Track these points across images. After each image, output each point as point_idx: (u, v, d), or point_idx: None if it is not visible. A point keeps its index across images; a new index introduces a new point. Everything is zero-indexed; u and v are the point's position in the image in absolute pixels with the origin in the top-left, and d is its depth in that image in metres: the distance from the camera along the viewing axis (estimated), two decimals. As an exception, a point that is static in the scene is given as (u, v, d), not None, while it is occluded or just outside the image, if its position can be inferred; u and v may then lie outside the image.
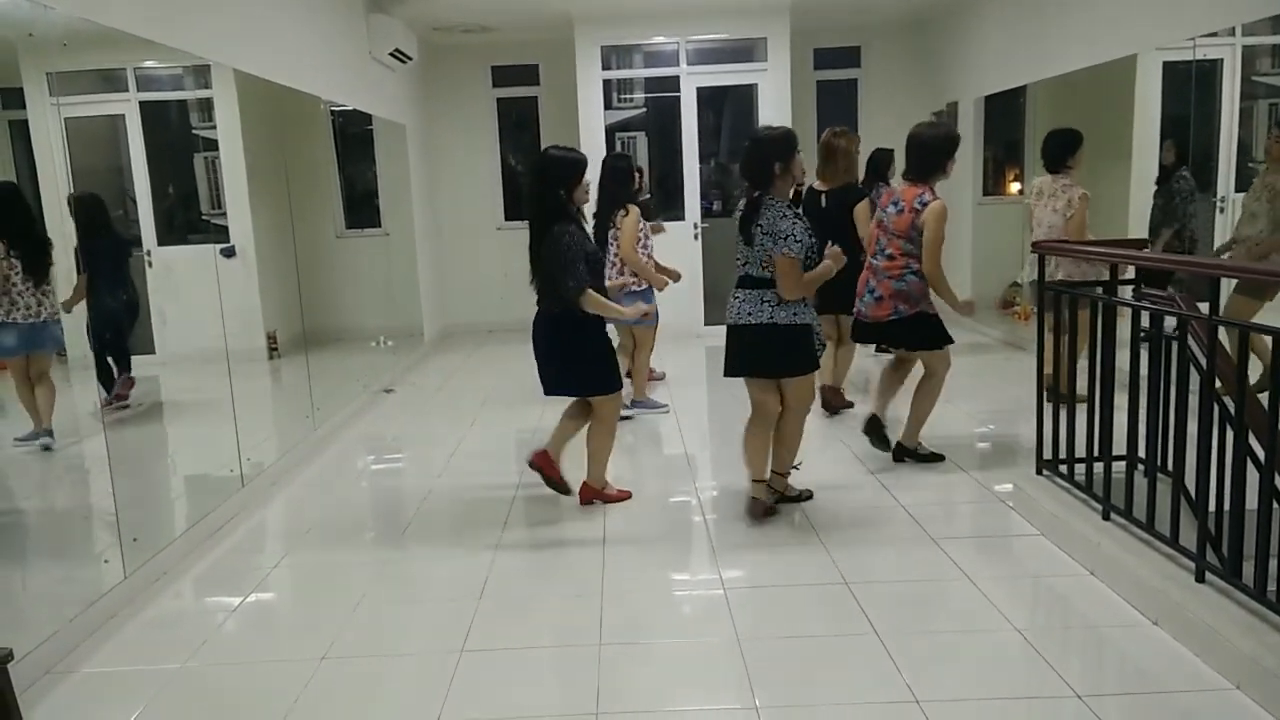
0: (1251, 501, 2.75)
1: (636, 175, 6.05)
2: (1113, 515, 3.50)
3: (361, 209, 8.22)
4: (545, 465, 4.35)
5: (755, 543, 3.95)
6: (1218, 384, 2.91)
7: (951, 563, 3.62)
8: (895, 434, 4.84)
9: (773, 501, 4.20)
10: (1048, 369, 4.01)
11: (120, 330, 4.63)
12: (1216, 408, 2.91)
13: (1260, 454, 2.76)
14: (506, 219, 10.11)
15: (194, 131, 5.27)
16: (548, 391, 4.25)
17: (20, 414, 4.05)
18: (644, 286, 5.90)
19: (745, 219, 3.90)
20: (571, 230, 4.01)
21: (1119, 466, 3.56)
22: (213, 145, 5.25)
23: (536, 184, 4.10)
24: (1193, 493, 3.02)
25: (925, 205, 4.43)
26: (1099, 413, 3.58)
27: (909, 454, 4.80)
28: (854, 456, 4.97)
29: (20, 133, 3.93)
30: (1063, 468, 3.90)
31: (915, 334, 4.58)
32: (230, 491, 4.60)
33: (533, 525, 4.29)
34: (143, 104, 4.65)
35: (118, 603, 3.49)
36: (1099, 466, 3.58)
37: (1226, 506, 2.86)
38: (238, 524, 4.44)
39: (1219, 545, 2.93)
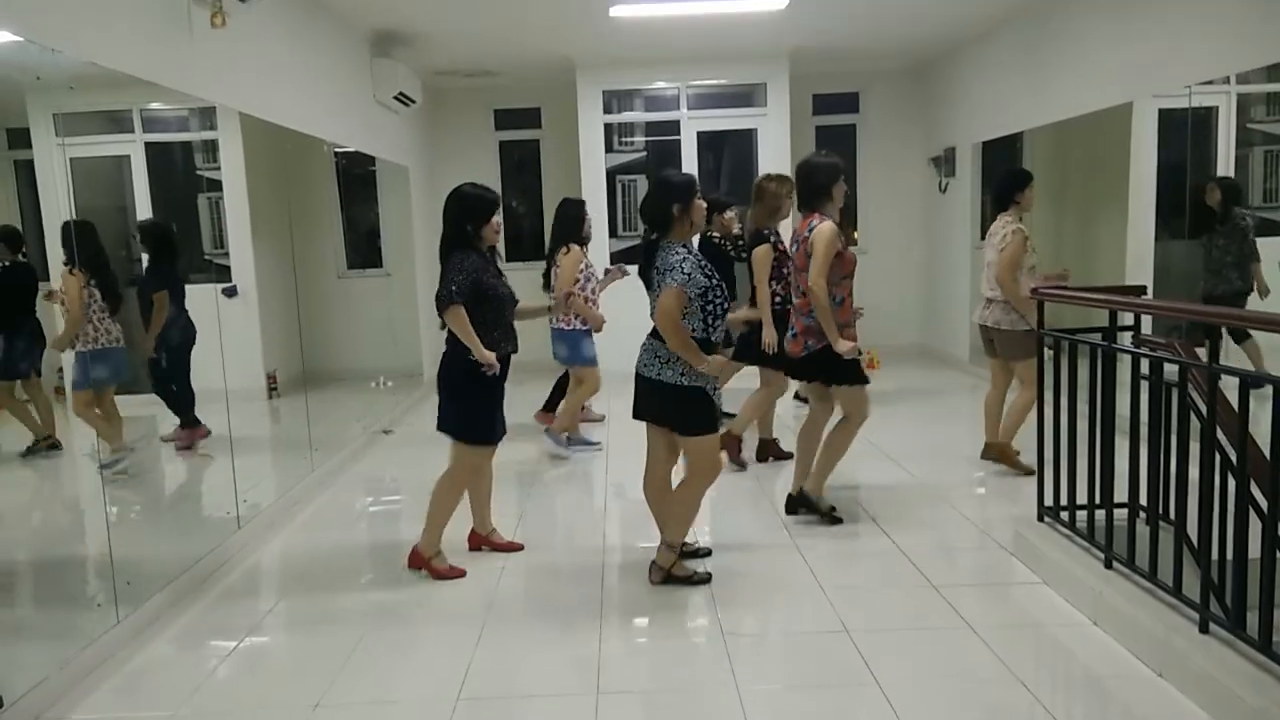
0: (1255, 550, 2.73)
1: (588, 220, 6.21)
2: (1115, 564, 3.48)
3: (363, 249, 8.26)
4: (482, 543, 4.33)
5: (752, 587, 3.92)
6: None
7: (953, 610, 3.58)
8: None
9: (658, 580, 3.94)
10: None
11: (180, 361, 4.81)
12: (1218, 455, 2.90)
13: (1262, 502, 2.74)
14: (508, 260, 10.13)
15: (198, 172, 5.31)
16: (439, 428, 4.11)
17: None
18: (586, 327, 6.00)
19: (644, 265, 3.78)
20: (467, 255, 3.90)
21: (1121, 514, 3.54)
22: (216, 186, 5.29)
23: (447, 217, 4.00)
24: (1195, 541, 3.00)
25: (814, 230, 4.37)
26: (1099, 459, 3.57)
27: (806, 504, 4.64)
28: (853, 498, 4.94)
29: (25, 172, 3.96)
30: (1064, 514, 3.88)
31: (825, 368, 4.45)
32: (226, 533, 4.56)
33: (532, 567, 4.25)
34: (148, 145, 4.69)
35: (110, 648, 3.45)
36: (1100, 513, 3.56)
37: (1229, 555, 2.84)
38: (233, 567, 4.40)
39: (1223, 595, 2.90)
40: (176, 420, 4.88)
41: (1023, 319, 5.03)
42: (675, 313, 3.58)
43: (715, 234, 6.33)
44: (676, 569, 3.95)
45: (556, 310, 5.05)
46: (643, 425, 3.95)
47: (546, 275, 6.22)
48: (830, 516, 4.61)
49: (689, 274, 3.59)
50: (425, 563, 4.15)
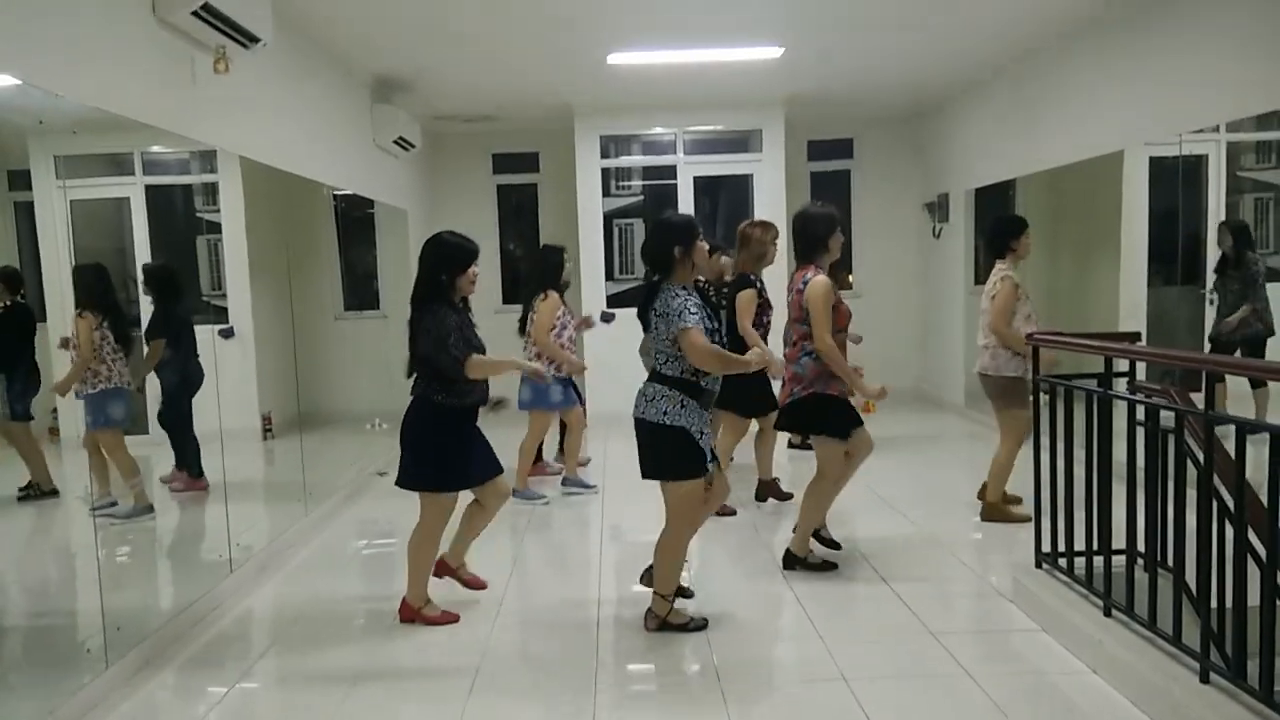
0: (1254, 598, 2.72)
1: (567, 267, 6.21)
2: (1114, 611, 3.45)
3: (361, 291, 8.29)
4: (449, 573, 4.27)
5: (749, 635, 3.88)
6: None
7: (951, 658, 3.55)
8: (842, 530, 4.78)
9: (654, 627, 3.90)
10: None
11: (179, 405, 4.83)
12: (1215, 503, 2.89)
13: (1260, 550, 2.73)
14: (504, 303, 10.19)
15: (198, 214, 5.34)
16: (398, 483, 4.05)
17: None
18: (560, 375, 5.99)
19: (643, 305, 3.78)
20: (441, 309, 3.85)
21: (1119, 560, 3.53)
22: (216, 228, 5.31)
23: (423, 266, 3.95)
24: (1194, 589, 2.99)
25: (808, 284, 4.35)
26: (1097, 506, 3.56)
27: (799, 563, 4.58)
28: (850, 544, 4.92)
29: (25, 213, 3.97)
30: (1062, 561, 3.86)
31: (807, 416, 4.42)
32: (219, 577, 4.52)
33: (525, 615, 4.21)
34: (148, 187, 4.72)
35: (99, 693, 3.39)
36: (1099, 560, 3.55)
37: (1229, 603, 2.83)
38: (225, 612, 4.35)
39: (1223, 644, 2.88)
40: (173, 461, 4.87)
41: (1022, 365, 5.01)
42: (705, 345, 3.58)
43: (703, 278, 6.27)
44: (672, 616, 3.90)
45: (530, 373, 4.94)
46: (630, 469, 3.91)
47: (523, 320, 6.20)
48: (824, 565, 4.57)
49: (696, 313, 3.60)
50: (416, 613, 4.10)
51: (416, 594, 4.11)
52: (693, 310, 3.60)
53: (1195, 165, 5.87)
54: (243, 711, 3.41)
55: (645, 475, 3.79)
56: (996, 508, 5.24)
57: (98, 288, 3.98)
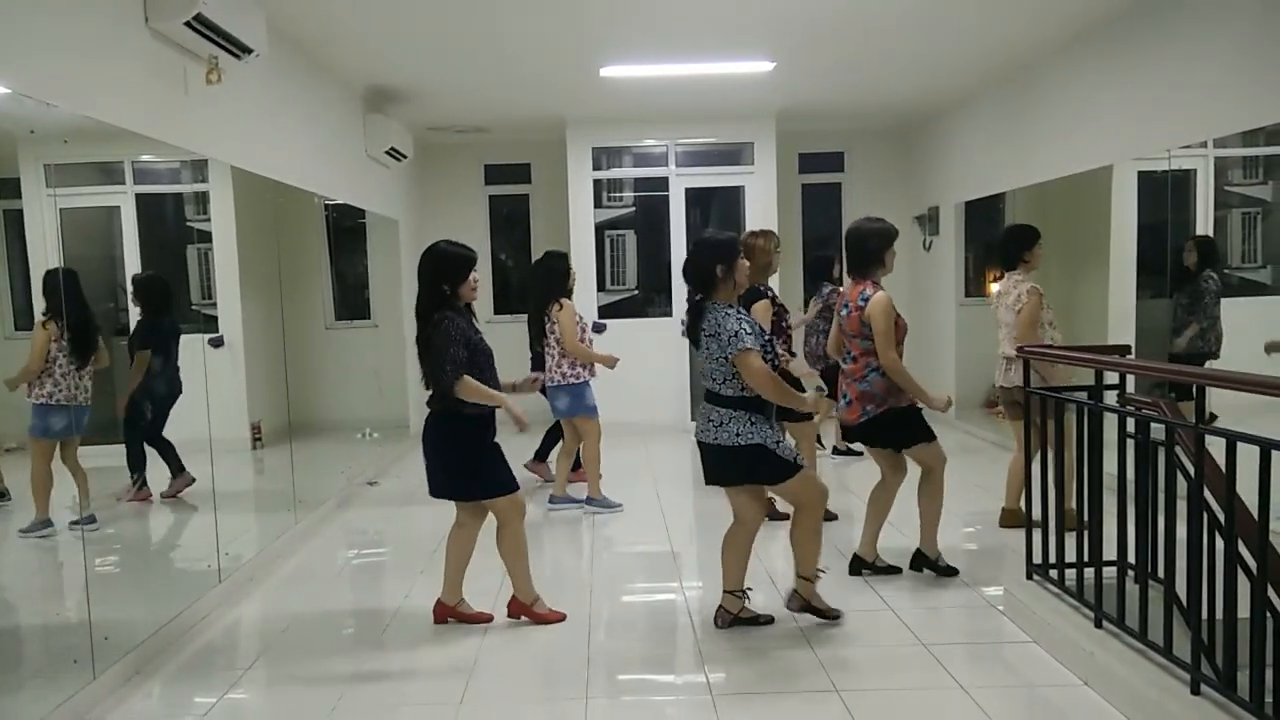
0: (1244, 610, 2.72)
1: (573, 273, 6.19)
2: (1106, 623, 3.46)
3: (352, 301, 8.27)
4: (523, 613, 4.17)
5: (742, 645, 3.87)
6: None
7: (944, 670, 3.55)
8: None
9: (797, 608, 4.04)
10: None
11: (163, 417, 4.74)
12: (1205, 515, 2.90)
13: (1250, 562, 2.74)
14: (495, 313, 10.19)
15: (188, 223, 5.33)
16: (441, 495, 4.04)
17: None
18: (581, 380, 5.95)
19: (691, 324, 3.83)
20: (450, 318, 3.86)
21: (1110, 572, 3.53)
22: (206, 237, 5.30)
23: (424, 277, 3.97)
24: (1185, 601, 2.99)
25: (868, 300, 4.38)
26: (1088, 518, 3.57)
27: (928, 564, 4.63)
28: (841, 556, 4.91)
29: (14, 222, 3.95)
30: (1053, 573, 3.87)
31: (891, 432, 4.47)
32: (207, 587, 4.49)
33: (516, 625, 4.19)
34: (138, 196, 4.70)
35: (85, 704, 3.37)
36: (1090, 572, 3.55)
37: (1219, 615, 2.83)
38: (213, 621, 4.32)
39: (1213, 655, 2.89)
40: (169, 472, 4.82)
41: (1041, 378, 5.00)
42: (763, 369, 3.65)
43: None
44: (814, 599, 4.02)
45: (523, 390, 4.95)
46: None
47: (534, 331, 6.18)
48: (949, 569, 4.61)
49: (752, 332, 3.67)
50: (527, 609, 4.13)
51: (523, 588, 4.14)
52: (749, 331, 3.66)
53: (1183, 180, 5.91)
54: (231, 723, 3.39)
55: (714, 484, 3.92)
56: (1015, 514, 5.22)
57: (63, 296, 3.87)
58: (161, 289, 4.76)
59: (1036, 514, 4.09)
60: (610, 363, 6.02)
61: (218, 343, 5.24)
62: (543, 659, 3.85)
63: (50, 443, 3.99)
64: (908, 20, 6.07)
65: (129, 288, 4.61)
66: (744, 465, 3.76)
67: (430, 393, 3.95)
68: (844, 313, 4.54)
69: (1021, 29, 6.37)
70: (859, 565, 4.66)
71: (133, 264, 4.73)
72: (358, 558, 5.65)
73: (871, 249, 4.47)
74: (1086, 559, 3.63)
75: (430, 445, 3.98)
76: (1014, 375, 5.16)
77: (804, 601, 4.04)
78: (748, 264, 3.89)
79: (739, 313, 3.75)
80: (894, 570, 4.65)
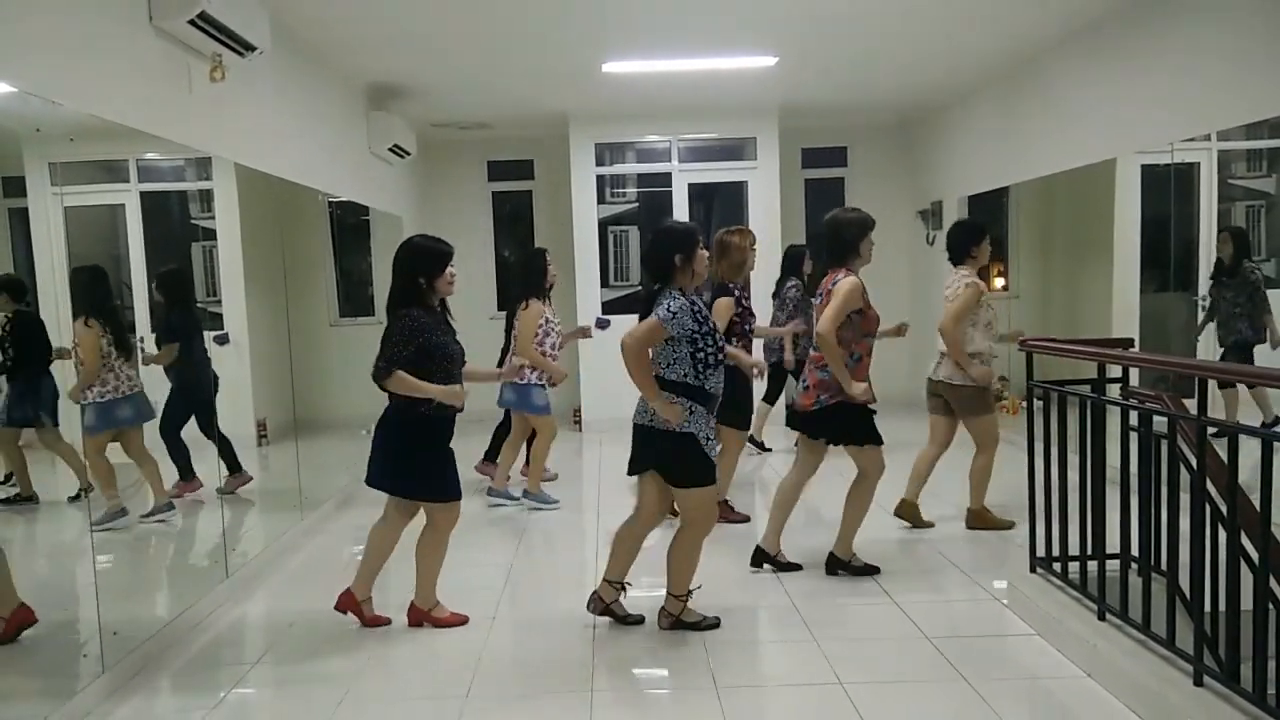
0: (1247, 602, 2.73)
1: (551, 271, 6.08)
2: (1108, 615, 3.47)
3: (356, 297, 8.28)
4: (423, 619, 4.11)
5: (745, 639, 3.89)
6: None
7: (947, 663, 3.56)
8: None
9: (666, 625, 3.95)
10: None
11: (210, 408, 4.81)
12: (1208, 507, 2.91)
13: (1253, 553, 2.75)
14: (499, 309, 10.20)
15: (192, 221, 5.34)
16: (377, 486, 3.99)
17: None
18: (540, 381, 5.96)
19: (644, 312, 3.77)
20: (414, 316, 3.82)
21: (1114, 565, 3.54)
22: (211, 235, 5.31)
23: (399, 270, 3.92)
24: (1188, 593, 3.00)
25: (837, 284, 4.37)
26: (1091, 511, 3.58)
27: (842, 566, 4.58)
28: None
29: (19, 220, 3.97)
30: (1056, 565, 3.87)
31: (839, 426, 4.41)
32: (214, 582, 4.52)
33: (520, 617, 4.22)
34: (143, 194, 4.71)
35: (94, 698, 3.39)
36: (1093, 565, 3.56)
37: (1222, 607, 2.84)
38: (220, 616, 4.35)
39: (1216, 647, 2.90)
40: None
41: (963, 374, 5.01)
42: (642, 341, 3.61)
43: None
44: (685, 615, 3.94)
45: (507, 377, 4.95)
46: (623, 477, 3.91)
47: (509, 327, 6.20)
48: (867, 568, 4.59)
49: (674, 313, 3.61)
50: (425, 615, 4.11)
51: (426, 596, 4.11)
52: (672, 310, 3.62)
53: (1187, 173, 5.91)
54: (238, 717, 3.41)
55: (633, 473, 3.86)
56: (981, 515, 5.24)
57: (98, 293, 3.94)
58: (183, 282, 4.78)
59: (1040, 508, 4.09)
60: (558, 377, 5.95)
61: (223, 340, 5.26)
62: (548, 653, 3.86)
63: (105, 437, 4.04)
64: (910, 14, 6.07)
65: (152, 283, 4.64)
66: (668, 451, 3.70)
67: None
68: (817, 300, 4.55)
69: (1024, 23, 6.36)
70: (761, 558, 4.65)
71: (137, 262, 4.75)
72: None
73: (848, 238, 4.47)
74: (1090, 552, 3.64)
75: (380, 435, 3.93)
76: (941, 369, 5.18)
77: (673, 619, 3.95)
78: (706, 254, 3.86)
79: (691, 301, 3.70)
80: (794, 567, 4.62)
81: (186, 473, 4.83)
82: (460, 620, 4.13)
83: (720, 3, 5.81)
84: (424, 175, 9.84)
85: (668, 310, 3.62)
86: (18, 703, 3.34)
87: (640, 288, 10.00)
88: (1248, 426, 2.68)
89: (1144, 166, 6.26)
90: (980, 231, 5.31)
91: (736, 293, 5.24)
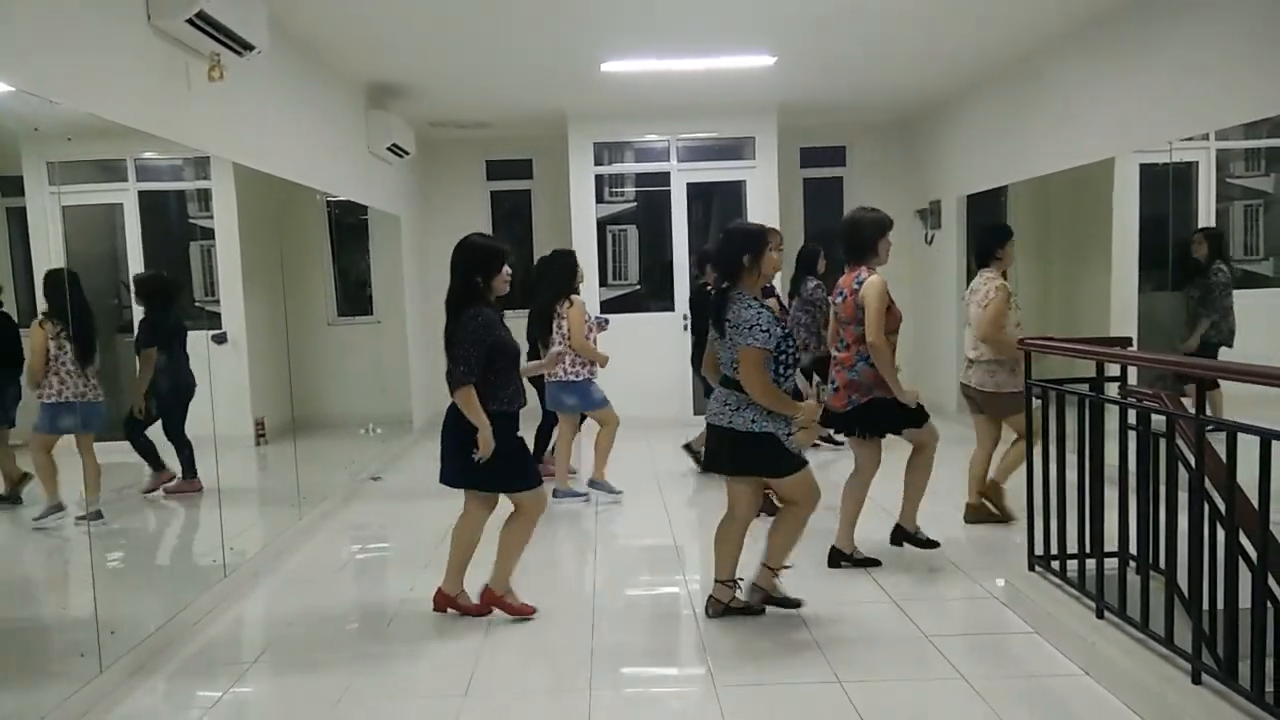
0: (1245, 600, 2.73)
1: (580, 270, 6.29)
2: (1107, 614, 3.47)
3: (354, 297, 8.29)
4: (494, 603, 4.15)
5: (744, 637, 3.89)
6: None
7: (946, 661, 3.57)
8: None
9: (758, 601, 4.06)
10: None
11: (181, 414, 4.76)
12: (1206, 506, 2.91)
13: (1251, 552, 2.76)
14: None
15: (190, 220, 5.34)
16: (453, 484, 4.04)
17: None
18: (582, 378, 6.03)
19: (717, 313, 3.87)
20: (484, 314, 3.88)
21: (1112, 563, 3.55)
22: (209, 234, 5.31)
23: (457, 270, 3.97)
24: (1186, 591, 3.01)
25: (863, 284, 4.42)
26: (1089, 509, 3.58)
27: (907, 538, 4.73)
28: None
29: (17, 220, 3.97)
30: (1055, 563, 3.88)
31: (878, 420, 4.49)
32: (212, 581, 4.51)
33: (520, 622, 4.20)
34: (141, 193, 4.71)
35: (92, 698, 3.39)
36: (1091, 563, 3.56)
37: (1220, 605, 2.84)
38: (218, 615, 4.34)
39: (1214, 645, 2.90)
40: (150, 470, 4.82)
41: (1012, 377, 5.00)
42: (761, 374, 3.67)
43: (707, 283, 6.43)
44: (774, 589, 4.06)
45: (547, 366, 5.04)
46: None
47: (539, 326, 6.24)
48: (928, 542, 4.74)
49: (768, 330, 3.68)
50: (498, 599, 4.13)
51: (502, 581, 4.14)
52: (764, 328, 3.68)
53: (1185, 172, 5.91)
54: (237, 717, 3.41)
55: (709, 470, 4.09)
56: (993, 489, 5.25)
57: (62, 295, 3.81)
58: (162, 287, 4.77)
59: (1039, 506, 4.09)
60: (603, 361, 6.10)
61: (221, 339, 5.26)
62: (546, 651, 3.86)
63: (51, 438, 4.01)
64: (908, 13, 6.07)
65: (131, 287, 4.62)
66: (751, 452, 3.78)
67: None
68: (839, 299, 4.55)
69: (1022, 21, 6.37)
70: (837, 558, 4.67)
71: (135, 261, 4.75)
72: (362, 552, 5.67)
73: (866, 238, 4.50)
74: (1088, 550, 3.64)
75: (452, 435, 3.97)
76: (972, 375, 5.18)
77: (764, 594, 4.06)
78: (776, 256, 3.92)
79: (761, 306, 3.78)
80: (873, 562, 4.66)
81: (160, 466, 4.79)
82: (528, 611, 4.14)
83: (719, 2, 5.81)
84: (423, 174, 9.84)
85: (764, 331, 3.67)
86: (18, 697, 3.33)
87: (639, 287, 10.03)
88: (1247, 425, 2.68)
89: (1142, 166, 6.26)
90: (1006, 233, 5.35)
91: (775, 293, 5.28)
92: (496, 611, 4.19)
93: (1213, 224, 5.86)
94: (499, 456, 3.92)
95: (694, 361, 6.77)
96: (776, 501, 5.55)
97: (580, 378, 6.06)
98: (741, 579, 4.09)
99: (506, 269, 4.03)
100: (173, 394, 4.77)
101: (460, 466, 3.97)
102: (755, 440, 3.74)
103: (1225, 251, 5.77)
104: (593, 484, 6.29)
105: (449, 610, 4.19)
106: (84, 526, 3.76)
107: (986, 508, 5.29)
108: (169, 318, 4.80)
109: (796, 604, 4.10)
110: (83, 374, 3.95)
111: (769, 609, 4.08)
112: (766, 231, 3.91)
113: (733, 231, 3.97)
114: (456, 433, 3.93)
